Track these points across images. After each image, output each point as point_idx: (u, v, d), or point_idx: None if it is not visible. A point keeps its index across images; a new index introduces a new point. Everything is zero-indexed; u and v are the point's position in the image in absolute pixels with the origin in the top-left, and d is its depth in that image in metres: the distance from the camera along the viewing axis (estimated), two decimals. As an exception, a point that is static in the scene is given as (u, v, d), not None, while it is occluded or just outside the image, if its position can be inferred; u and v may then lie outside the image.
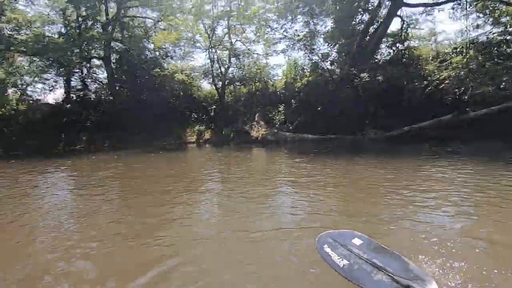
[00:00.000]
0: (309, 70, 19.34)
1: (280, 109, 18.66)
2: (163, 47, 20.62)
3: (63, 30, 19.33)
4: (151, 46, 21.01)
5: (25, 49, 15.56)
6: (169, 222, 4.09)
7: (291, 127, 16.84)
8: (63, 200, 5.58)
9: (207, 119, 19.97)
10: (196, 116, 20.22)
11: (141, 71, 19.60)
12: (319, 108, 16.33)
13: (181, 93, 20.55)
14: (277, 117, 18.28)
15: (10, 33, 15.94)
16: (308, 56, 19.01)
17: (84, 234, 3.70)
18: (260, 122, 17.45)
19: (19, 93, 19.27)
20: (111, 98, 20.40)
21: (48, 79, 19.97)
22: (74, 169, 9.87)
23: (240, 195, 5.28)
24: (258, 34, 20.12)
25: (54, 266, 2.88)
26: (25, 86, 18.93)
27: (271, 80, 21.15)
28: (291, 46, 18.98)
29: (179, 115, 19.65)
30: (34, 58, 17.86)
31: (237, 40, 20.89)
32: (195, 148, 16.03)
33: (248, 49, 21.01)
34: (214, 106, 20.55)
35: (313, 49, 18.37)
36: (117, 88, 20.69)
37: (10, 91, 18.08)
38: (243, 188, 5.75)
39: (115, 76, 20.54)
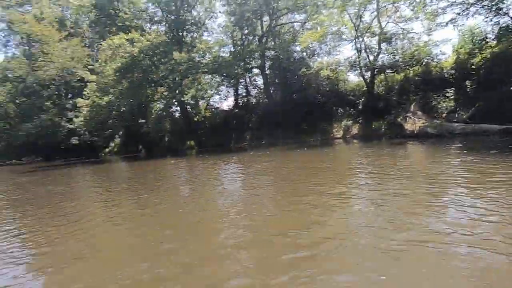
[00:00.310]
0: (494, 38, 14.66)
1: (448, 94, 15.22)
2: (310, 46, 21.44)
3: (232, 49, 23.89)
4: (298, 48, 22.33)
5: (207, 70, 20.42)
6: (321, 210, 4.25)
7: (464, 116, 13.41)
8: (232, 186, 7.09)
9: (354, 113, 19.12)
10: (342, 111, 19.79)
11: (290, 73, 21.24)
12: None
13: (327, 89, 20.67)
14: (444, 105, 15.01)
15: (199, 59, 21.36)
16: (492, 20, 14.41)
17: (246, 213, 4.60)
18: (416, 112, 14.93)
19: (205, 104, 25.50)
20: (266, 100, 23.34)
21: (222, 91, 25.35)
22: (239, 162, 12.15)
23: (396, 192, 4.71)
24: (415, 8, 17.16)
25: (225, 232, 3.80)
26: (208, 98, 24.85)
27: (433, 61, 17.56)
28: (463, 12, 14.97)
29: (326, 111, 19.87)
30: (213, 76, 23.18)
31: (388, 22, 18.68)
32: (342, 143, 15.77)
33: (403, 29, 18.33)
34: (362, 99, 19.37)
35: (500, 8, 13.74)
36: (271, 91, 23.45)
37: (200, 103, 24.30)
38: (399, 186, 5.12)
39: (269, 80, 23.31)
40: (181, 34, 22.20)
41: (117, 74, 18.63)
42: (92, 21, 21.66)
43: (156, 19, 22.01)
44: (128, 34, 17.73)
